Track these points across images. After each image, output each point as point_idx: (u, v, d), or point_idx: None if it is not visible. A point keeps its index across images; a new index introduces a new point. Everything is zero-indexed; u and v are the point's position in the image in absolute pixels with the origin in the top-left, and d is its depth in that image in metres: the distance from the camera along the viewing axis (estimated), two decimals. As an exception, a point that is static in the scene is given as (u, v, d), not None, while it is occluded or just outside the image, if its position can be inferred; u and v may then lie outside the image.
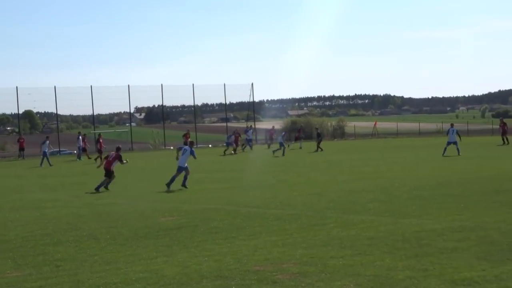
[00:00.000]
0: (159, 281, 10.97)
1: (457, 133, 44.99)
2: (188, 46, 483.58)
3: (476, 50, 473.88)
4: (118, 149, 30.76)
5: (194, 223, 17.44)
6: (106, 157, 31.08)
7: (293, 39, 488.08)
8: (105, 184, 28.87)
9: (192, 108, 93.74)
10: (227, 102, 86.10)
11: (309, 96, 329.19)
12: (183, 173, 28.45)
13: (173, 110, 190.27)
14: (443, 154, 43.02)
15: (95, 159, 36.45)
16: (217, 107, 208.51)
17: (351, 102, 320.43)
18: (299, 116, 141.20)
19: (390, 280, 10.38)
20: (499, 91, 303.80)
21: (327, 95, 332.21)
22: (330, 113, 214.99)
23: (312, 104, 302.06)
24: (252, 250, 13.29)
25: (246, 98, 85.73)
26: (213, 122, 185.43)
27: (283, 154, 51.07)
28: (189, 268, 11.82)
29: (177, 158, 29.52)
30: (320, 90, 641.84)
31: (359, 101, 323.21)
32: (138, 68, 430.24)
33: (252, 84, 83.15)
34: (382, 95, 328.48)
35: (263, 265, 11.77)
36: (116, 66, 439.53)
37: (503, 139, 55.44)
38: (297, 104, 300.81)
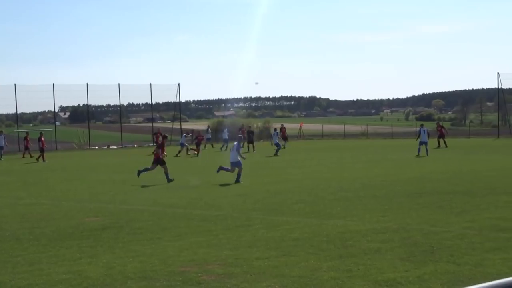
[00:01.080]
0: (82, 282, 10.84)
1: (428, 133, 46.00)
2: (114, 46, 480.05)
3: (401, 54, 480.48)
4: (165, 137, 32.19)
5: (119, 224, 17.30)
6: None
7: (219, 41, 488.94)
8: (166, 174, 29.95)
9: (118, 108, 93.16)
10: (153, 102, 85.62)
11: (235, 97, 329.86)
12: (237, 169, 29.44)
13: (99, 109, 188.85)
14: (417, 155, 44.14)
15: (37, 159, 36.04)
16: (143, 107, 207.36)
17: (277, 104, 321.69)
18: (225, 117, 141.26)
19: (314, 281, 10.45)
20: (423, 94, 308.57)
21: (253, 96, 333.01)
22: (257, 114, 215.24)
23: (239, 105, 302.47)
24: (178, 251, 13.24)
25: (172, 98, 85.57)
26: (139, 122, 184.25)
27: (277, 154, 50.83)
28: (113, 269, 11.71)
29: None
30: (247, 91, 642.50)
31: (285, 103, 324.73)
32: (63, 67, 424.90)
33: (179, 84, 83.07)
34: (308, 97, 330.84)
35: (188, 266, 11.74)
36: (41, 64, 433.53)
37: (438, 142, 56.04)
38: (223, 104, 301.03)
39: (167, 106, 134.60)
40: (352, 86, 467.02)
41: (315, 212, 18.47)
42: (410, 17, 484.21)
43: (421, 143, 45.41)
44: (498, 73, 78.79)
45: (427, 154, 43.84)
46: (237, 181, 28.86)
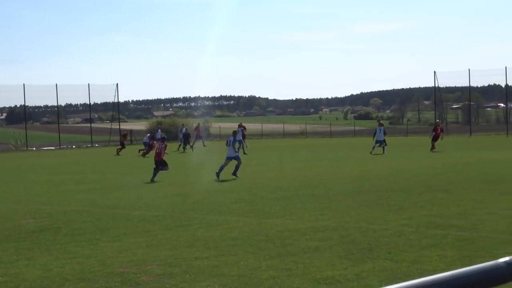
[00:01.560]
0: (19, 285, 10.70)
1: (384, 132, 46.17)
2: (51, 46, 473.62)
3: (339, 53, 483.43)
4: (164, 139, 32.86)
5: (56, 225, 17.11)
6: (156, 149, 32.58)
7: (158, 41, 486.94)
8: (160, 170, 30.62)
9: (56, 109, 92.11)
10: (92, 103, 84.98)
11: (175, 96, 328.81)
12: (233, 161, 30.24)
13: (36, 110, 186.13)
14: (370, 152, 44.28)
15: None
16: (81, 108, 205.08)
17: (216, 103, 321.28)
18: (164, 117, 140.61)
19: (254, 280, 10.45)
20: (361, 93, 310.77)
21: (192, 96, 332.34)
22: (196, 114, 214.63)
23: (178, 105, 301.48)
24: (116, 252, 13.14)
25: (110, 99, 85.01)
26: (77, 123, 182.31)
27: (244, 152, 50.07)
28: (51, 271, 11.57)
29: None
30: (186, 91, 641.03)
31: (225, 102, 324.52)
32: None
33: (117, 84, 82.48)
34: (247, 96, 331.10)
35: (127, 267, 11.66)
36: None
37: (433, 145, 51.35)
38: (162, 104, 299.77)
39: (106, 106, 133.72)
40: (291, 85, 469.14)
41: (254, 211, 18.49)
42: (348, 16, 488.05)
43: (377, 141, 45.64)
44: (434, 72, 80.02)
45: (384, 152, 44.31)
46: (234, 173, 29.66)
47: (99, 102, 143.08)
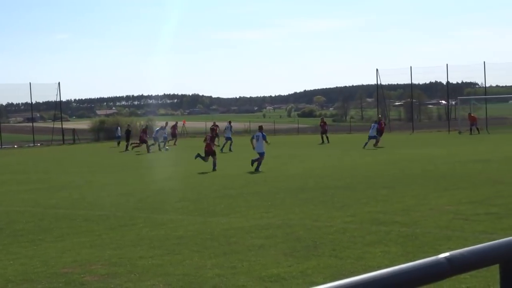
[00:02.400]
0: (-39, 287, 10.56)
1: (377, 129, 48.64)
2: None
3: (282, 51, 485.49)
4: (213, 130, 37.08)
5: (-2, 226, 16.91)
6: (205, 140, 34.56)
7: (99, 39, 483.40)
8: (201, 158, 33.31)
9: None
10: (33, 102, 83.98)
11: (118, 95, 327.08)
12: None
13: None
14: (363, 147, 45.72)
15: None
16: (23, 107, 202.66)
17: (160, 102, 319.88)
18: (107, 115, 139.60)
19: (199, 278, 10.45)
20: (305, 91, 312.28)
21: (135, 94, 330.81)
22: (139, 112, 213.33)
23: (121, 104, 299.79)
24: (60, 252, 13.03)
25: (53, 98, 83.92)
26: (19, 122, 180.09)
27: (230, 149, 49.72)
28: (-7, 273, 11.44)
29: (254, 147, 32.70)
30: (129, 89, 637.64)
31: (168, 101, 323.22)
32: None
33: (59, 83, 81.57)
34: (190, 94, 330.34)
35: (71, 267, 11.57)
36: None
37: (322, 138, 57.13)
38: (105, 103, 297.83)
39: (48, 105, 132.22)
40: (234, 83, 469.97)
41: (199, 210, 18.48)
42: (290, 14, 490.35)
43: (369, 137, 47.74)
44: (377, 70, 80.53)
45: (375, 147, 46.53)
46: (256, 169, 30.65)
47: (41, 101, 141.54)
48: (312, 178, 25.94)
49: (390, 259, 11.27)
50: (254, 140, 32.67)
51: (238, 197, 20.92)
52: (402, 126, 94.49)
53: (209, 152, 33.06)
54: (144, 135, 55.68)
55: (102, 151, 58.46)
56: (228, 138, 51.82)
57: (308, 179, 25.63)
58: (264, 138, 32.49)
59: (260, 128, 34.20)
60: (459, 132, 66.59)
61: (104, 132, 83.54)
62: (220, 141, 50.46)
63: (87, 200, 21.93)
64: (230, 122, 54.75)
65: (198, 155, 33.48)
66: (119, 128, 65.62)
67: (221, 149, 48.51)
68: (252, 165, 31.17)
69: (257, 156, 31.69)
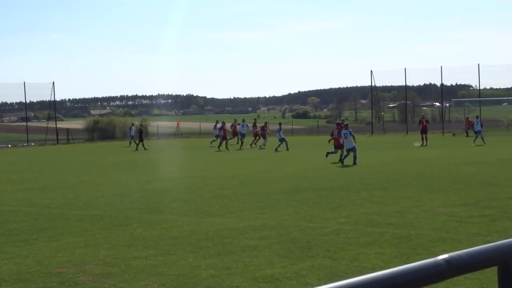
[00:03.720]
0: (-45, 286, 10.54)
1: (481, 124, 51.91)
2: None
3: (277, 52, 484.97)
4: (338, 124, 37.40)
5: (-8, 226, 16.87)
6: (332, 134, 37.04)
7: (94, 38, 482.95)
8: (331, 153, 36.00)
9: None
10: (27, 101, 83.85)
11: (112, 95, 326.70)
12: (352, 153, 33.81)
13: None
14: (474, 143, 48.46)
15: None
16: (16, 106, 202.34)
17: (154, 102, 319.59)
18: (101, 115, 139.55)
19: (193, 279, 10.45)
20: (299, 92, 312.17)
21: (130, 94, 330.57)
22: (133, 112, 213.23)
23: (115, 104, 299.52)
24: (54, 252, 13.01)
25: (47, 97, 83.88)
26: (13, 122, 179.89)
27: (287, 149, 49.08)
28: (-13, 272, 11.42)
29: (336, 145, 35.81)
30: (123, 89, 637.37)
31: (162, 101, 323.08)
32: None
33: (53, 83, 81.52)
34: (185, 95, 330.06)
35: (65, 267, 11.55)
36: None
37: (422, 139, 51.77)
38: (99, 103, 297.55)
39: (42, 105, 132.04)
40: (229, 84, 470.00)
41: (194, 210, 18.47)
42: (286, 15, 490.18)
43: (476, 132, 50.91)
44: (371, 71, 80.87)
45: (483, 142, 48.91)
46: (354, 163, 32.98)
47: (35, 101, 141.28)
48: (307, 179, 25.94)
49: (384, 260, 11.28)
50: (342, 138, 34.70)
51: (232, 198, 20.90)
52: (396, 127, 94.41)
53: (338, 146, 35.51)
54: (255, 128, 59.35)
55: (96, 151, 58.38)
56: (282, 140, 50.98)
57: (303, 180, 25.64)
58: (350, 134, 34.07)
59: (346, 126, 35.50)
60: (453, 134, 66.68)
61: (98, 132, 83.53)
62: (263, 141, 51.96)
63: (82, 200, 21.89)
64: (267, 124, 55.57)
65: (328, 153, 36.12)
66: (133, 127, 65.42)
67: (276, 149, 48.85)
68: (327, 157, 35.55)
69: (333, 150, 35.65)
